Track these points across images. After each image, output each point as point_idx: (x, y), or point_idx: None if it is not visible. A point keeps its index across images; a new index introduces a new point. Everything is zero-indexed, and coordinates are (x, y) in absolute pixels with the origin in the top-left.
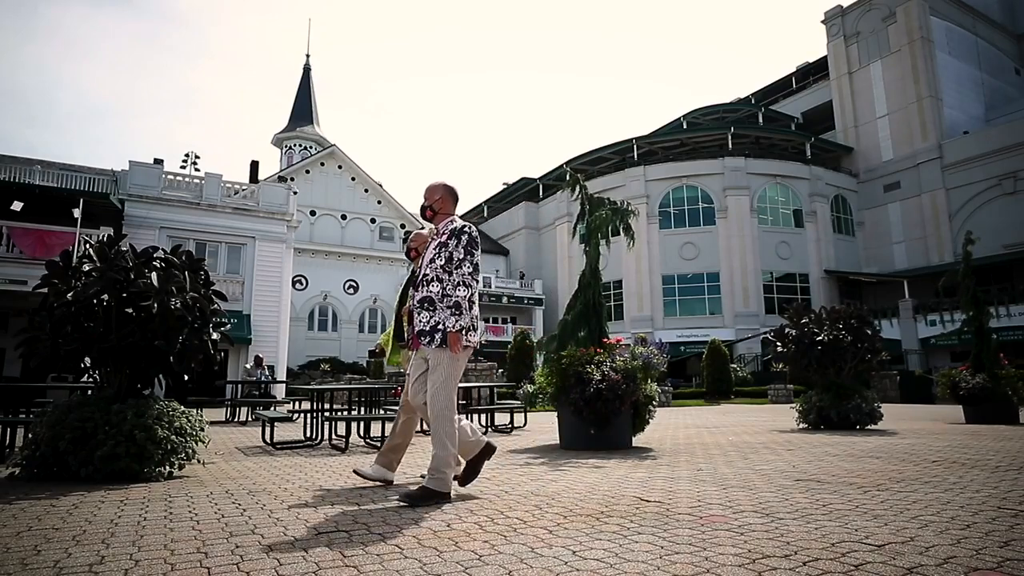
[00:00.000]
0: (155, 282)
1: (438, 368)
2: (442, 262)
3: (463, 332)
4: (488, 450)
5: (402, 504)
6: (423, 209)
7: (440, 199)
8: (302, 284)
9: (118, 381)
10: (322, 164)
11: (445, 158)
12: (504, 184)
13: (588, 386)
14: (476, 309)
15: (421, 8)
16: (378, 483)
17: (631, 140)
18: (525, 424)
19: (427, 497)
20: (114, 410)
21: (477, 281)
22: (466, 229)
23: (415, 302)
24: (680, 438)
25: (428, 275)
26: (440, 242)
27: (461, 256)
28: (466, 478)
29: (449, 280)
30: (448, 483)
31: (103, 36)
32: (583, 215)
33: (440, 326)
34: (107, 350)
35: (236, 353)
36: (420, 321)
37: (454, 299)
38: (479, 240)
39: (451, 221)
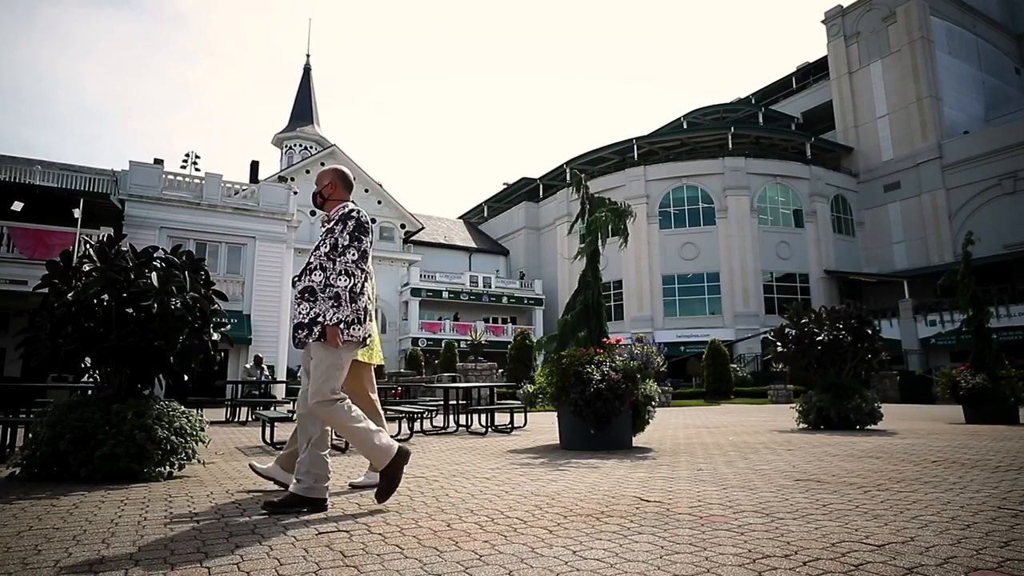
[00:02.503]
0: (155, 282)
1: (319, 365)
2: (326, 249)
3: (344, 326)
4: (403, 455)
5: (262, 513)
6: (314, 196)
7: (330, 184)
8: None
9: (118, 381)
10: (322, 164)
11: (446, 158)
12: (504, 184)
13: (588, 386)
14: (364, 301)
15: (422, 10)
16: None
17: (631, 140)
18: (525, 424)
19: (390, 487)
20: (114, 410)
21: (363, 270)
22: (353, 214)
23: (296, 293)
24: (680, 438)
25: (311, 264)
26: (327, 228)
27: (346, 242)
28: (384, 491)
29: (332, 269)
30: (390, 451)
31: (102, 35)
32: (583, 214)
33: (320, 319)
34: (107, 350)
35: (236, 353)
36: (299, 313)
37: (334, 289)
38: (369, 226)
39: (342, 207)
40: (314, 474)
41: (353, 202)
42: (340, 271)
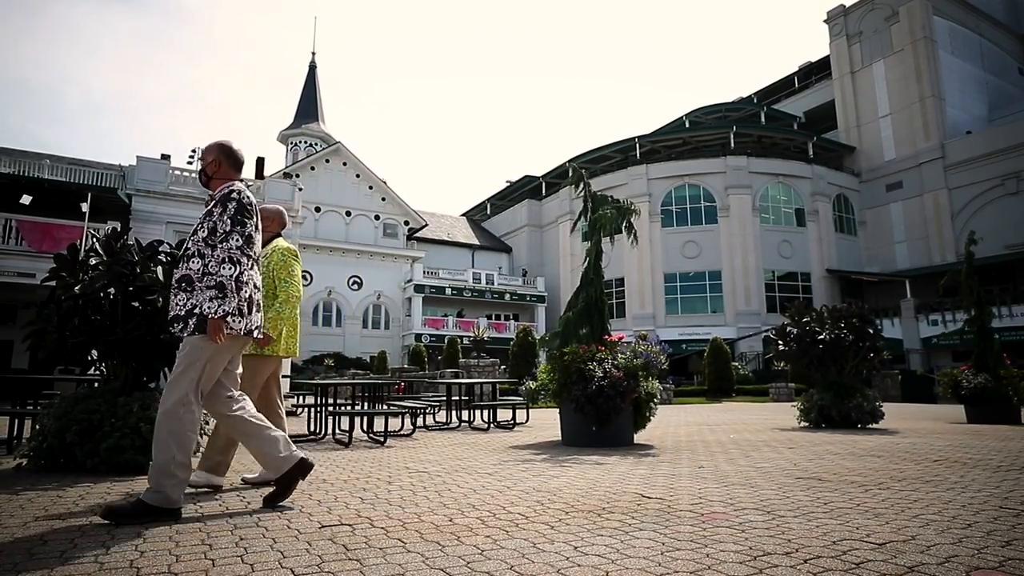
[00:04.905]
0: (161, 276)
1: (183, 360)
2: (204, 234)
3: (228, 318)
4: (302, 467)
5: (104, 521)
6: (200, 174)
7: (213, 161)
8: (307, 279)
9: (124, 374)
10: (327, 161)
11: (449, 157)
12: (507, 182)
13: (590, 383)
14: (251, 291)
15: (428, 10)
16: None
17: (634, 139)
18: (527, 420)
19: (139, 513)
20: (120, 403)
21: (249, 256)
22: (234, 195)
23: (173, 282)
24: (681, 435)
25: (188, 250)
26: (206, 210)
27: (227, 227)
28: (275, 497)
29: (212, 256)
30: (174, 497)
31: (109, 32)
32: (585, 212)
33: (197, 310)
34: (113, 343)
35: None
36: (176, 305)
37: (216, 279)
38: (253, 207)
39: (226, 187)
40: (272, 455)
41: (242, 180)
42: (223, 259)
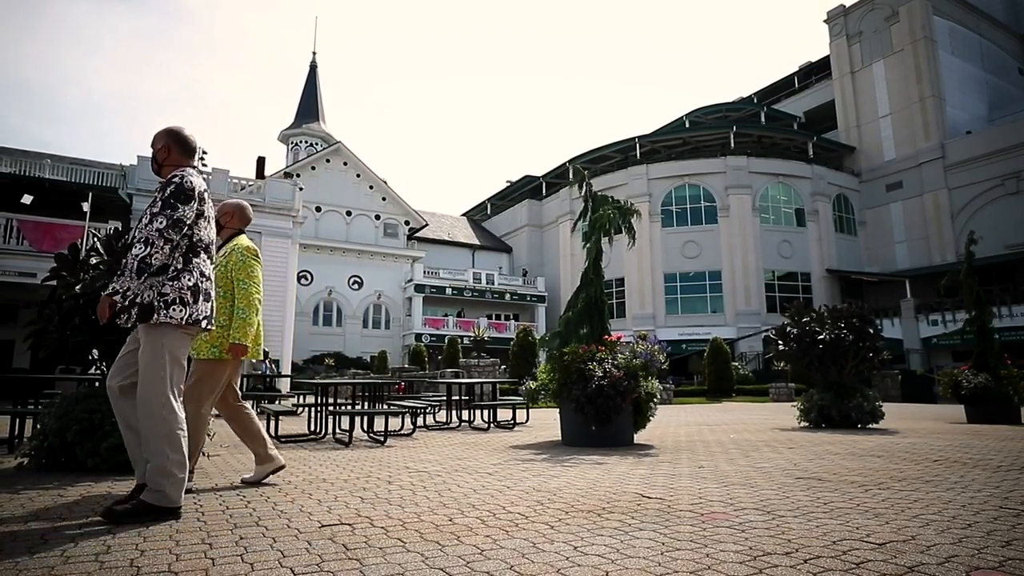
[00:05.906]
0: None
1: (143, 355)
2: (146, 221)
3: (163, 305)
4: (161, 513)
5: (104, 520)
6: (151, 161)
7: (163, 148)
8: (307, 279)
9: None
10: (328, 161)
11: (449, 157)
12: (507, 182)
13: (590, 383)
14: (196, 279)
15: (428, 10)
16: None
17: (634, 139)
18: (527, 420)
19: (139, 512)
20: None
21: (168, 239)
22: (175, 179)
23: (121, 270)
24: (681, 435)
25: (134, 237)
26: (153, 198)
27: (157, 209)
28: (123, 514)
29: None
30: (173, 497)
31: (109, 32)
32: (585, 212)
33: (138, 299)
34: (114, 342)
35: None
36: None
37: (127, 257)
38: (194, 192)
39: (175, 172)
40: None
41: (194, 167)
42: (140, 238)
